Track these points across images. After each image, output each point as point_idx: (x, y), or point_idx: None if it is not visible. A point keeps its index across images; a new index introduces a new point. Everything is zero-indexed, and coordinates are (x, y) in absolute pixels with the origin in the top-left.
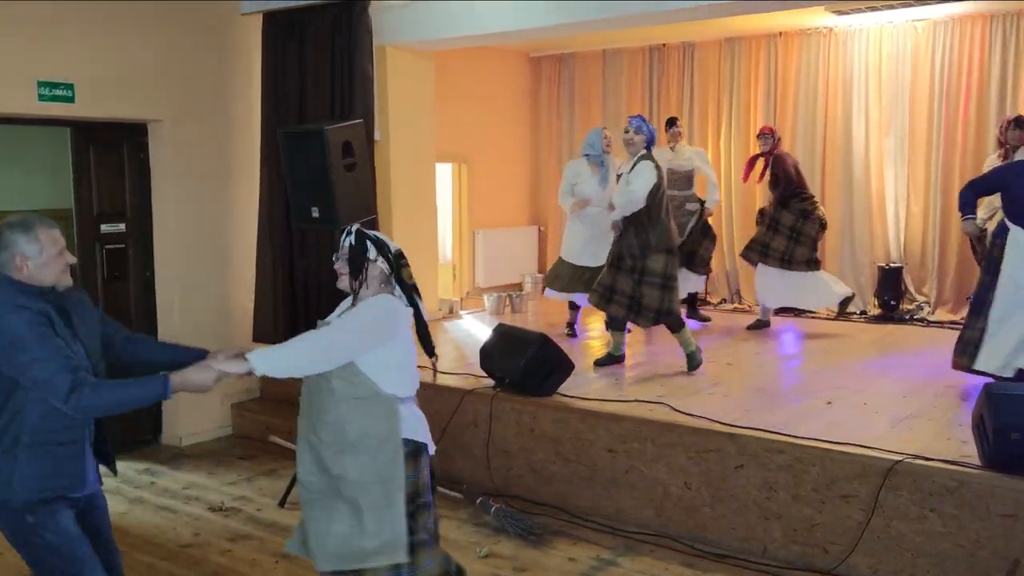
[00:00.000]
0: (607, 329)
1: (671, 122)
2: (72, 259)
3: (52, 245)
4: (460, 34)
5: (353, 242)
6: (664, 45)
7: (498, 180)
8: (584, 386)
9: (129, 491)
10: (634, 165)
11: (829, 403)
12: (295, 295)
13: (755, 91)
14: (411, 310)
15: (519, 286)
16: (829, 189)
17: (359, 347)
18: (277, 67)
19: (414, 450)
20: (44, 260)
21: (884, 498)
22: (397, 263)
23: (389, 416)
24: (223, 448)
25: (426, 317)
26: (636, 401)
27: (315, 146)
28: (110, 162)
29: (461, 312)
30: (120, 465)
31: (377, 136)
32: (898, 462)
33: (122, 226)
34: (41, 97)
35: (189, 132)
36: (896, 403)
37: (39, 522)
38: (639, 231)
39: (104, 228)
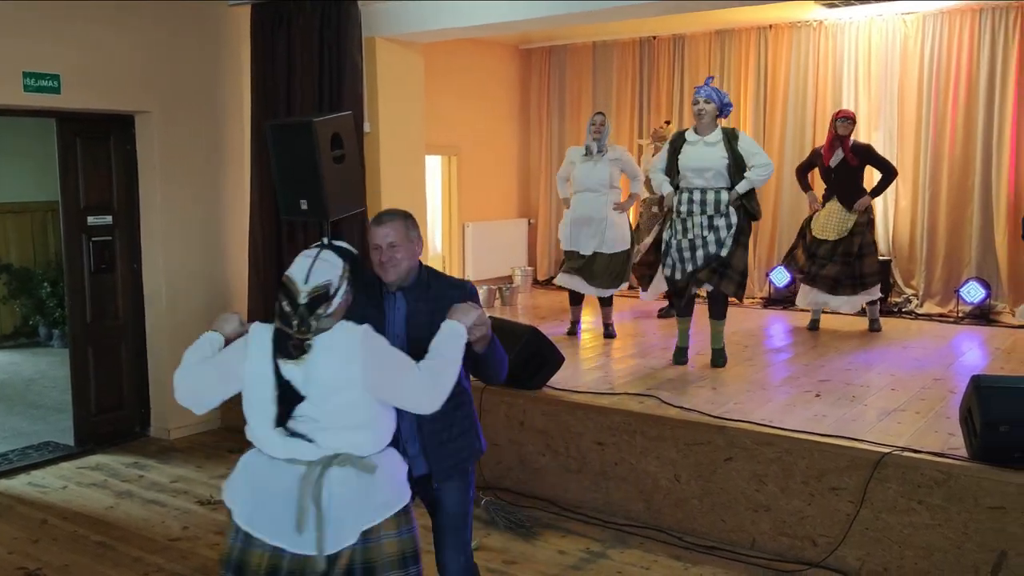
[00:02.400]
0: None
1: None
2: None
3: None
4: (450, 26)
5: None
6: (655, 37)
7: (488, 172)
8: (574, 379)
9: (117, 485)
10: (732, 136)
11: (818, 395)
12: None
13: (745, 84)
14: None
15: (509, 279)
16: (818, 182)
17: None
18: (265, 59)
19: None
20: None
21: (872, 490)
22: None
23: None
24: (212, 441)
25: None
26: (626, 394)
27: (303, 138)
28: (97, 154)
29: None
30: (108, 459)
31: (367, 128)
32: (886, 454)
33: (109, 218)
34: (27, 88)
35: (177, 124)
36: (884, 396)
37: None
38: (751, 199)
39: (91, 220)
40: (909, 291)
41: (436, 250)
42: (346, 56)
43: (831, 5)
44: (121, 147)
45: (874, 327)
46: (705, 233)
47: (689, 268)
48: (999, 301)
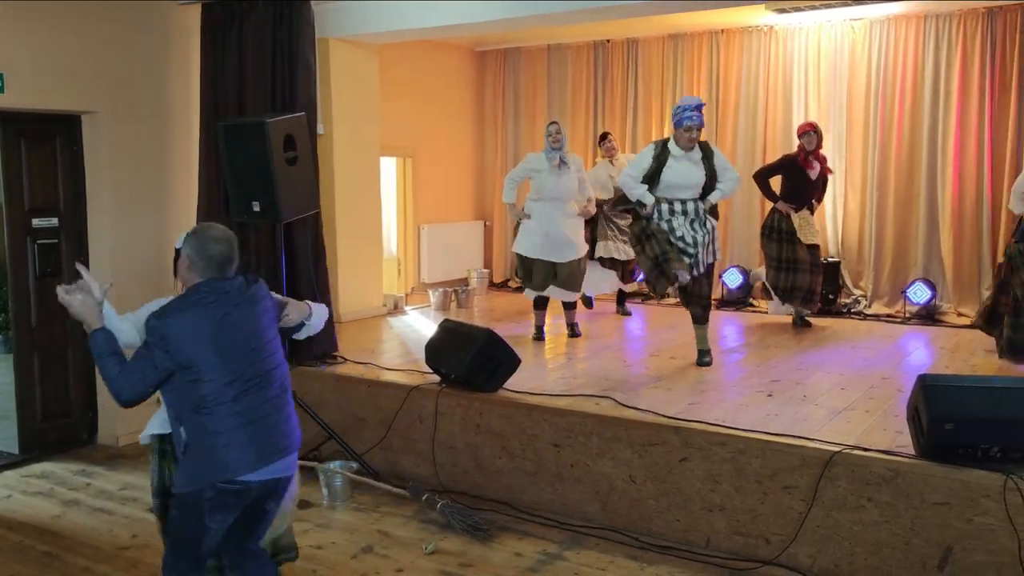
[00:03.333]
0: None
1: (604, 137)
2: None
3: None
4: (404, 27)
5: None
6: (608, 41)
7: (443, 174)
8: (530, 381)
9: (64, 493)
10: (707, 152)
11: (770, 395)
12: None
13: (698, 87)
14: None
15: (465, 281)
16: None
17: None
18: (216, 59)
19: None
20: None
21: (823, 488)
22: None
23: None
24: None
25: None
26: (582, 395)
27: (256, 139)
28: (42, 155)
29: (406, 308)
30: (54, 466)
31: (320, 130)
32: (837, 453)
33: (55, 220)
34: None
35: (124, 125)
36: (834, 395)
37: None
38: (713, 213)
39: (36, 223)
40: (858, 292)
41: (391, 252)
42: (299, 56)
43: (781, 11)
44: (67, 147)
45: (802, 323)
46: (695, 234)
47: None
48: (944, 302)
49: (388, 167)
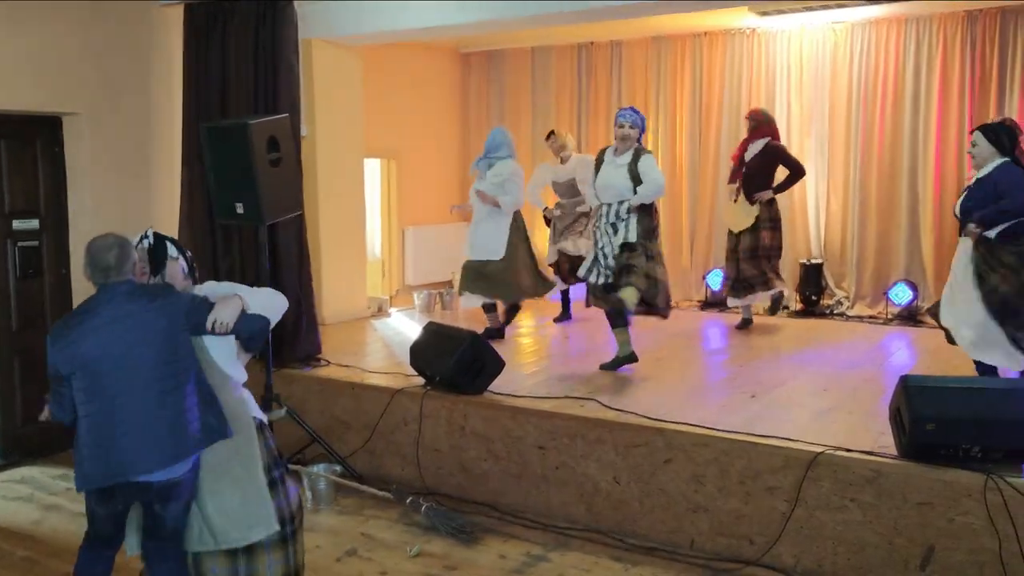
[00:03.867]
0: (616, 327)
1: (549, 136)
2: None
3: None
4: (387, 29)
5: (151, 244)
6: (592, 43)
7: (428, 176)
8: (515, 384)
9: (44, 498)
10: (638, 157)
11: (753, 396)
12: None
13: (681, 89)
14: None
15: (449, 283)
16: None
17: None
18: (199, 60)
19: (259, 426)
20: None
21: (806, 489)
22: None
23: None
24: None
25: None
26: (566, 398)
27: (239, 141)
28: (23, 156)
29: (390, 310)
30: (35, 471)
31: (304, 131)
32: (819, 454)
33: (35, 223)
34: None
35: (106, 126)
36: (817, 396)
37: None
38: (643, 218)
39: (16, 225)
40: (840, 293)
41: (375, 255)
42: (282, 58)
43: (763, 13)
44: (48, 149)
45: (744, 324)
46: (612, 239)
47: (605, 276)
48: (926, 302)
49: (372, 169)
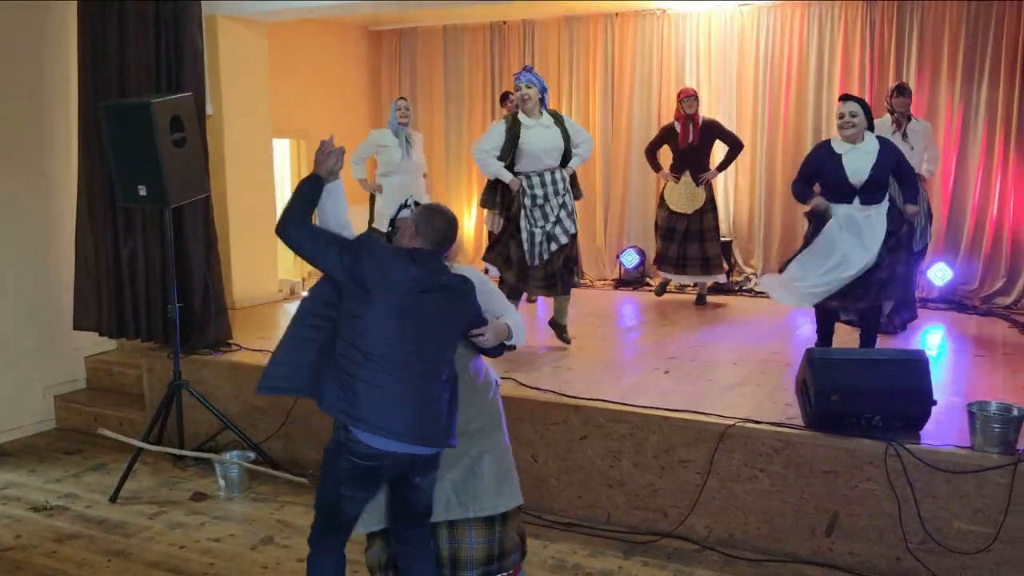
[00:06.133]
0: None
1: (504, 97)
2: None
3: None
4: (294, 5)
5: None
6: (505, 23)
7: None
8: None
9: None
10: (557, 117)
11: (667, 372)
12: (120, 281)
13: (594, 70)
14: None
15: None
16: (664, 159)
17: None
18: (95, 37)
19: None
20: None
21: (718, 461)
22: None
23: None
24: (46, 443)
25: None
26: None
27: (140, 121)
28: None
29: (303, 292)
30: None
31: (209, 111)
32: (731, 426)
33: None
34: None
35: None
36: (728, 370)
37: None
38: (574, 187)
39: None
40: (749, 270)
41: None
42: (185, 35)
43: None
44: None
45: (700, 301)
46: (560, 214)
47: (553, 248)
48: None
49: (281, 149)
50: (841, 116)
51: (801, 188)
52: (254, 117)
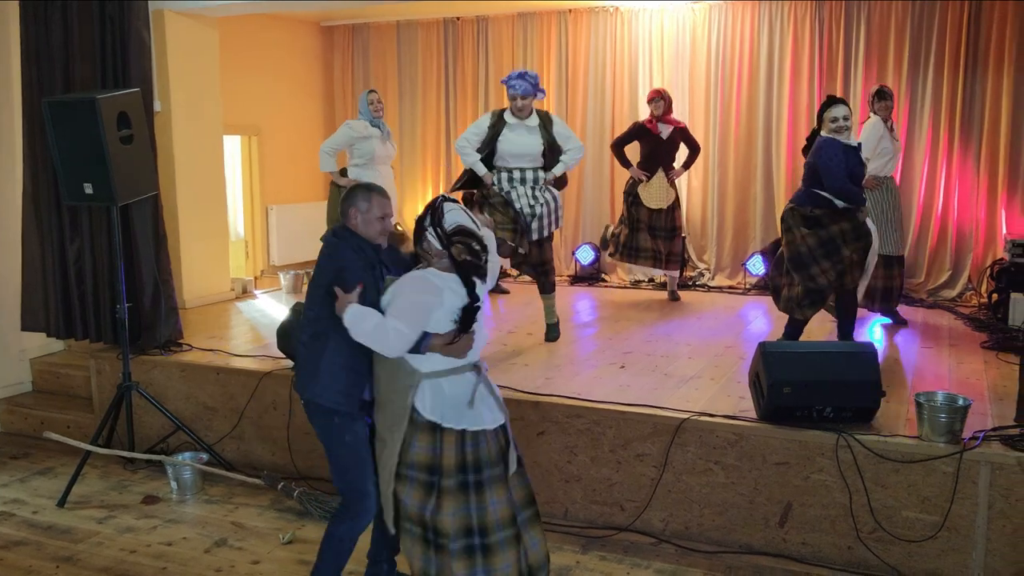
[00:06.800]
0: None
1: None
2: (390, 226)
3: (379, 209)
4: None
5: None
6: (459, 19)
7: (291, 153)
8: None
9: None
10: (545, 120)
11: (623, 367)
12: (68, 281)
13: (548, 66)
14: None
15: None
16: (617, 164)
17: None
18: (39, 32)
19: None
20: (368, 217)
21: (674, 454)
22: (449, 239)
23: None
24: None
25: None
26: None
27: (86, 117)
28: None
29: (255, 291)
30: None
31: (157, 107)
32: (685, 420)
33: None
34: None
35: None
36: (682, 364)
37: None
38: (559, 185)
39: None
40: (702, 265)
41: (239, 234)
42: (131, 29)
43: None
44: None
45: (674, 297)
46: (532, 204)
47: (532, 238)
48: None
49: (232, 146)
50: (835, 120)
51: (851, 186)
52: (204, 113)
